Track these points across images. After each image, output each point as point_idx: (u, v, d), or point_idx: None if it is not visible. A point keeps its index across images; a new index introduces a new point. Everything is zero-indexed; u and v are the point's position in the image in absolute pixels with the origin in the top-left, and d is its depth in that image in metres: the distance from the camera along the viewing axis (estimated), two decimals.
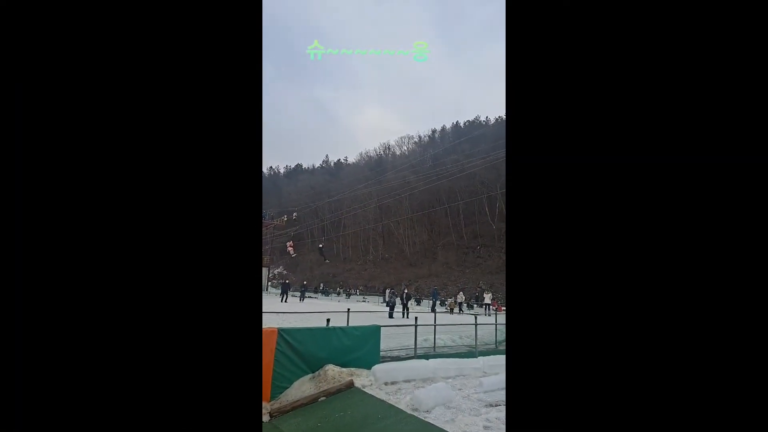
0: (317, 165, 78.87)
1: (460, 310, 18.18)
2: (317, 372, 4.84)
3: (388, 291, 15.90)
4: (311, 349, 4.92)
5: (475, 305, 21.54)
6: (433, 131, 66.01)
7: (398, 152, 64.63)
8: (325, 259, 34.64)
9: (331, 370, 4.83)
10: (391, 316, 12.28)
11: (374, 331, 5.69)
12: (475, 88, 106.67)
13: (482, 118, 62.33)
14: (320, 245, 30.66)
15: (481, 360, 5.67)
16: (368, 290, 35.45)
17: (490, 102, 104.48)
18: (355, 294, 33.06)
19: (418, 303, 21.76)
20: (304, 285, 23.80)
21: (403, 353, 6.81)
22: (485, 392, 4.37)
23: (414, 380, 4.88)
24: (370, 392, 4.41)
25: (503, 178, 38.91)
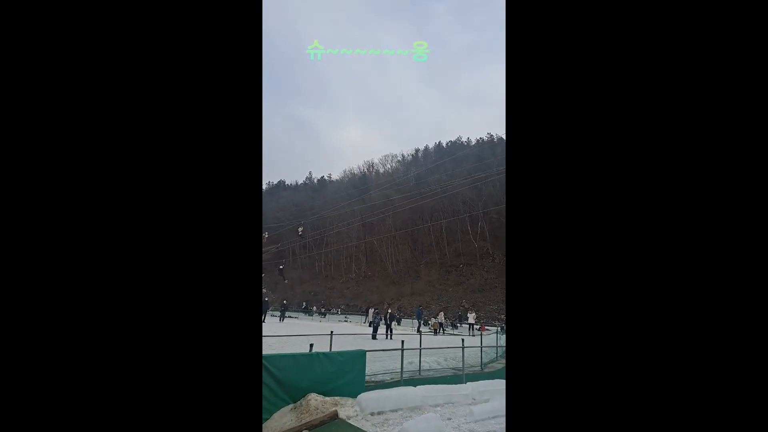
0: (300, 182, 78.45)
1: (443, 330, 17.95)
2: (299, 402, 4.56)
3: (371, 311, 15.54)
4: (293, 377, 4.65)
5: (459, 325, 21.33)
6: (417, 150, 67.19)
7: (382, 170, 65.17)
8: (284, 280, 33.66)
9: (314, 399, 4.56)
10: (374, 337, 11.97)
11: (359, 357, 5.46)
12: (455, 110, 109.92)
13: (464, 139, 63.98)
14: (280, 267, 29.51)
15: (469, 386, 5.51)
16: (350, 309, 34.74)
17: (470, 124, 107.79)
18: (336, 313, 32.27)
19: (399, 323, 21.37)
20: (283, 304, 23.06)
21: (387, 377, 6.57)
22: (476, 422, 4.21)
23: (401, 409, 4.66)
24: (355, 424, 4.16)
25: (485, 198, 39.73)
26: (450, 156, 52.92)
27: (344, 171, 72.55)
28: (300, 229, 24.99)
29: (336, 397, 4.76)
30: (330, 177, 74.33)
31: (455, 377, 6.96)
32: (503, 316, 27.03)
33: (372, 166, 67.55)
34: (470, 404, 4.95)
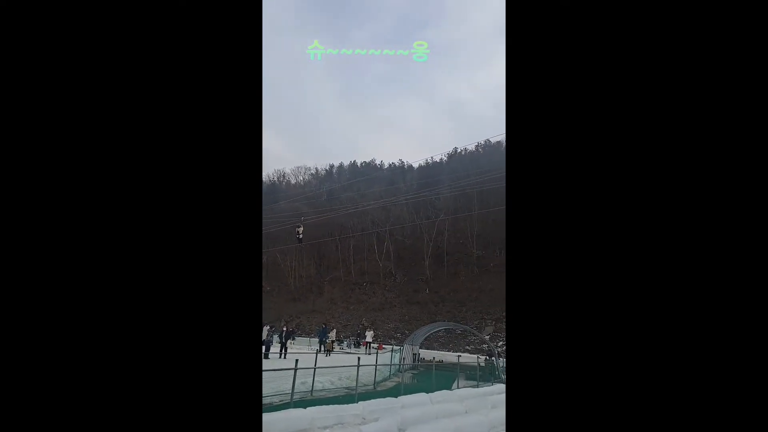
0: None
1: (332, 348, 17.59)
2: None
3: (265, 328, 14.50)
4: None
5: (359, 344, 21.26)
6: (331, 166, 67.25)
7: (293, 181, 63.32)
8: None
9: None
10: (266, 356, 11.16)
11: None
12: (370, 133, 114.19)
13: (377, 162, 66.45)
14: None
15: (360, 405, 5.46)
16: None
17: (383, 149, 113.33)
18: None
19: (293, 340, 20.37)
20: None
21: (276, 399, 6.14)
22: None
23: None
24: None
25: (392, 219, 41.50)
26: (364, 176, 54.32)
27: None
28: (299, 229, 14.36)
29: None
30: None
31: (348, 397, 6.86)
32: (399, 335, 28.01)
33: (283, 176, 65.24)
34: (360, 424, 4.90)
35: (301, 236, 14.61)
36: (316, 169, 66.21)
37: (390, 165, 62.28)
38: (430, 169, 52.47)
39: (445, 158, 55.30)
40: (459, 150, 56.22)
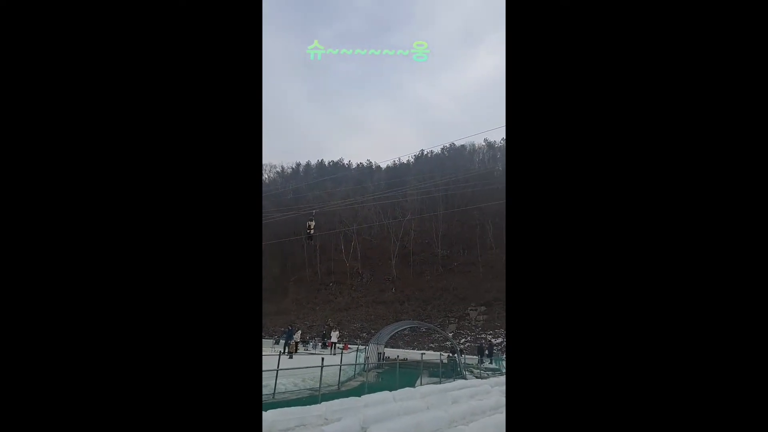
0: None
1: (296, 350, 17.26)
2: None
3: None
4: None
5: (319, 344, 21.05)
6: (298, 164, 66.03)
7: None
8: None
9: None
10: None
11: None
12: (337, 132, 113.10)
13: (345, 161, 66.10)
14: None
15: (323, 406, 5.45)
16: None
17: (351, 148, 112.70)
18: None
19: None
20: None
21: None
22: None
23: None
24: None
25: (360, 219, 41.49)
26: (332, 176, 53.85)
27: None
28: (311, 223, 12.73)
29: None
30: None
31: (311, 398, 6.81)
32: (365, 335, 28.08)
33: None
34: (322, 424, 4.89)
35: (311, 231, 13.03)
36: (282, 167, 64.93)
37: (358, 165, 62.21)
38: (397, 170, 52.98)
39: (412, 160, 56.13)
40: (425, 152, 57.33)
